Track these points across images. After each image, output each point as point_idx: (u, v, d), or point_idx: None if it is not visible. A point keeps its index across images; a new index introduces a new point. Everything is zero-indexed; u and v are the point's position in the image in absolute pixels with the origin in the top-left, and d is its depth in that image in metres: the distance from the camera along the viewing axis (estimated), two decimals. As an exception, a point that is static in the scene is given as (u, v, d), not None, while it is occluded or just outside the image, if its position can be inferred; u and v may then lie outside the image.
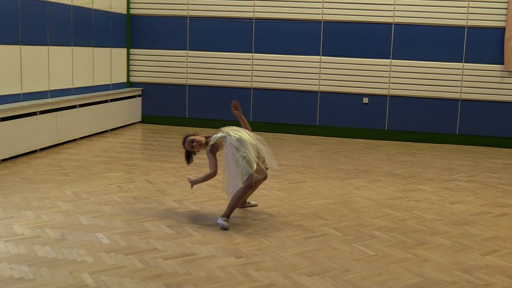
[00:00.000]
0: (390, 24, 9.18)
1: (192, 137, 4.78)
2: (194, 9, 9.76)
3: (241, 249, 4.14)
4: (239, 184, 4.65)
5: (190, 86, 9.94)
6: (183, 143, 4.85)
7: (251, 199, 5.33)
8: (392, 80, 9.30)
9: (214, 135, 4.79)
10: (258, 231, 4.56)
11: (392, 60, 9.24)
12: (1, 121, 6.60)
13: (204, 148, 4.81)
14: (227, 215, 4.69)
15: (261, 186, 5.98)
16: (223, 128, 4.83)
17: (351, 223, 4.85)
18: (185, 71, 9.93)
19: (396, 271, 3.82)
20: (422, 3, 9.04)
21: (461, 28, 8.99)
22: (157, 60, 9.99)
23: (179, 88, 9.99)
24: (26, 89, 7.36)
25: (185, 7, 9.79)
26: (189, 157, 4.91)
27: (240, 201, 4.76)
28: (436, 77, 9.17)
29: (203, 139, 4.78)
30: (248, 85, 9.76)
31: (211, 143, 4.75)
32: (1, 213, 4.78)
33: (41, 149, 7.42)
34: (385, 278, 3.70)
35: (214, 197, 5.49)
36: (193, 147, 4.77)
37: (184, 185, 5.88)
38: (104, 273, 3.62)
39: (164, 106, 10.15)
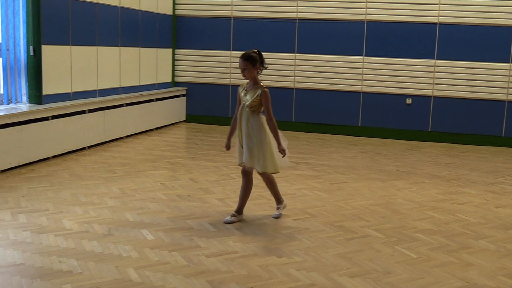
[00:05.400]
0: (435, 24, 9.04)
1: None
2: (238, 9, 9.85)
3: (282, 248, 4.17)
4: (270, 165, 4.68)
5: (234, 86, 10.04)
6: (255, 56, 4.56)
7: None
8: (436, 80, 9.15)
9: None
10: (299, 231, 4.59)
11: (437, 61, 9.10)
12: (52, 119, 6.83)
13: (253, 81, 4.61)
14: (279, 201, 4.96)
15: (302, 186, 6.02)
16: None
17: (393, 225, 4.83)
18: (229, 71, 10.03)
19: (439, 274, 3.79)
20: (468, 2, 8.86)
21: (508, 28, 8.77)
22: (201, 60, 10.12)
23: (223, 88, 10.10)
24: (76, 89, 7.59)
25: (229, 7, 9.89)
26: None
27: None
28: (482, 78, 8.97)
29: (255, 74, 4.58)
30: (290, 85, 9.78)
31: (265, 87, 4.57)
32: (51, 208, 4.96)
33: (89, 147, 7.64)
34: (428, 281, 3.67)
35: (256, 196, 5.54)
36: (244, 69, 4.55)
37: (226, 183, 5.96)
38: (149, 268, 3.71)
39: (207, 106, 10.28)
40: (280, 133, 4.69)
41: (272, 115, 4.60)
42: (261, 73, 4.66)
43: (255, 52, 4.59)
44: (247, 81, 4.67)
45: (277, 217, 4.90)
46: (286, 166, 5.10)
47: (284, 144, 4.72)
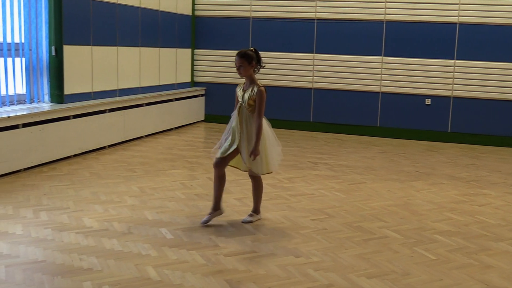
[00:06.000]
0: (454, 24, 8.96)
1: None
2: (257, 10, 9.88)
3: (300, 248, 4.18)
4: (263, 167, 4.58)
5: (252, 86, 10.05)
6: (251, 54, 4.50)
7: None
8: (456, 81, 9.08)
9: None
10: (317, 231, 4.59)
11: (456, 61, 9.03)
12: (73, 118, 6.92)
13: (249, 80, 4.53)
14: (257, 210, 4.81)
15: (320, 186, 6.02)
16: None
17: (411, 226, 4.81)
18: (247, 71, 10.04)
19: (458, 276, 3.76)
20: (488, 2, 8.76)
21: (531, 27, 8.68)
22: (220, 60, 10.16)
23: (241, 88, 10.12)
24: (96, 88, 7.68)
25: (248, 8, 9.92)
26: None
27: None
28: (502, 78, 8.87)
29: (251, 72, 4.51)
30: (309, 85, 9.78)
31: (261, 86, 4.47)
32: (72, 206, 5.03)
33: (110, 146, 7.72)
34: (447, 283, 3.65)
35: (274, 196, 5.56)
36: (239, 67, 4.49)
37: (245, 183, 5.99)
38: (167, 267, 3.74)
39: (226, 106, 10.24)
40: (275, 135, 4.62)
41: (262, 116, 4.46)
42: (258, 72, 4.56)
43: (251, 50, 4.52)
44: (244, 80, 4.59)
45: (247, 222, 4.69)
46: (274, 170, 4.82)
47: (275, 149, 4.62)
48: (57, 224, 4.51)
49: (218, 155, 4.61)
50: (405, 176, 6.68)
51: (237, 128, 4.57)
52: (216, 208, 4.66)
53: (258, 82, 4.52)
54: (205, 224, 4.61)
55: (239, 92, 4.60)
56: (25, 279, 3.48)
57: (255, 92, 4.45)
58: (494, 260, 4.07)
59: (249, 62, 4.47)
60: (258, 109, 4.45)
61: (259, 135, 4.43)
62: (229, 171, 6.50)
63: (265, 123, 4.55)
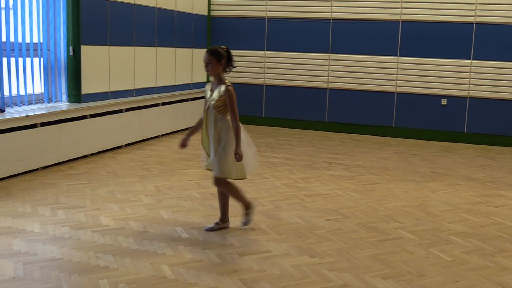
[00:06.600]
0: (471, 23, 8.89)
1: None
2: (272, 10, 9.89)
3: (315, 248, 4.19)
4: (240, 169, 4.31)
5: (267, 86, 10.08)
6: (221, 51, 4.31)
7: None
8: (473, 81, 9.01)
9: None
10: (332, 231, 4.59)
11: (473, 61, 8.95)
12: (90, 117, 6.99)
13: (217, 79, 4.31)
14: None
15: (335, 186, 6.02)
16: None
17: (427, 227, 4.79)
18: (263, 71, 10.07)
19: (474, 278, 3.74)
20: (505, 2, 8.67)
21: (549, 27, 8.59)
22: (235, 60, 10.12)
23: (257, 88, 10.15)
24: (113, 88, 7.75)
25: (263, 8, 9.93)
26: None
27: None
28: (522, 78, 8.81)
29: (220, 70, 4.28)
30: (324, 85, 9.77)
31: (230, 85, 4.25)
32: (89, 204, 5.09)
33: (126, 145, 7.79)
34: (462, 285, 3.64)
35: (289, 196, 5.57)
36: (207, 64, 4.28)
37: (260, 183, 6.01)
38: (183, 266, 3.76)
39: (241, 106, 10.17)
40: (248, 138, 4.38)
41: (237, 116, 4.24)
42: (229, 72, 4.37)
43: (222, 49, 4.29)
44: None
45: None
46: (253, 173, 4.63)
47: (249, 150, 4.36)
48: (74, 222, 4.57)
49: (206, 166, 4.48)
50: (420, 176, 6.65)
51: (205, 132, 4.37)
52: (224, 221, 4.56)
53: (226, 81, 4.29)
54: (209, 231, 4.49)
55: (207, 92, 4.39)
56: (42, 276, 3.53)
57: (222, 92, 4.23)
58: (510, 262, 4.04)
59: (218, 60, 4.24)
60: (231, 110, 4.23)
61: (238, 136, 4.20)
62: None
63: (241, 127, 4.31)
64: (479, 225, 4.88)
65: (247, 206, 4.56)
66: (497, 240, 4.51)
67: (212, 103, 4.28)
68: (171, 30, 9.11)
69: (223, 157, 4.28)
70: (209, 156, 4.41)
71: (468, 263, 4.00)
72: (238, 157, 4.19)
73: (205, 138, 4.41)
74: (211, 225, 4.57)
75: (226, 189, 4.46)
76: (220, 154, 4.29)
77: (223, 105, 4.26)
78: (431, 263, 3.98)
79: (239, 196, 4.51)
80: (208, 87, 4.45)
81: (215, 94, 4.28)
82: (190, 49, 9.74)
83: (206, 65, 4.29)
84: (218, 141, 4.29)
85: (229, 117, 4.29)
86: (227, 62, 4.33)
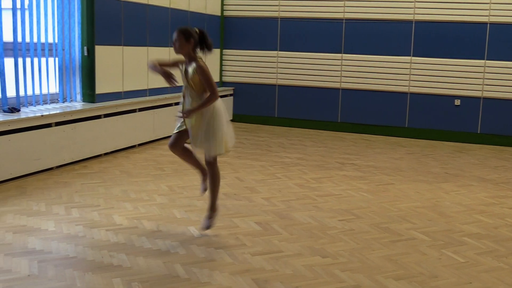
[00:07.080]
0: (485, 23, 8.83)
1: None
2: (285, 10, 9.89)
3: (327, 249, 4.19)
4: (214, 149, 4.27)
5: (280, 86, 10.08)
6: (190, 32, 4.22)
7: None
8: (486, 81, 8.94)
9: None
10: (344, 231, 4.59)
11: (487, 61, 8.89)
12: (104, 117, 7.05)
13: (188, 58, 4.25)
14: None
15: (348, 187, 6.01)
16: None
17: (440, 228, 4.77)
18: (275, 71, 10.07)
19: (487, 280, 3.73)
20: (522, 2, 8.64)
21: None
22: (248, 60, 10.21)
23: (269, 88, 10.15)
24: (127, 88, 7.80)
25: (276, 8, 9.94)
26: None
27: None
28: (536, 79, 8.73)
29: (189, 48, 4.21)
30: (337, 85, 9.75)
31: (201, 61, 4.19)
32: (102, 203, 5.13)
33: (139, 145, 7.83)
34: (475, 286, 3.62)
35: (301, 196, 5.58)
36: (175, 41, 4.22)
37: (272, 183, 6.02)
38: (195, 265, 3.78)
39: (254, 106, 10.35)
40: (227, 115, 4.30)
41: (215, 89, 4.17)
42: (205, 55, 4.32)
43: (195, 30, 4.22)
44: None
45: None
46: (230, 147, 4.48)
47: (228, 128, 4.32)
48: (88, 221, 4.61)
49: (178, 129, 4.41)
50: (433, 177, 6.63)
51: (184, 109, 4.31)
52: (213, 209, 4.45)
53: (198, 59, 4.24)
54: (207, 229, 4.43)
55: (182, 70, 4.31)
56: (56, 274, 3.57)
57: (194, 69, 4.18)
58: (524, 264, 4.03)
59: (186, 38, 4.16)
60: (207, 83, 4.17)
61: (204, 106, 4.16)
62: (256, 171, 6.56)
63: (220, 102, 4.26)
64: (492, 226, 4.85)
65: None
66: (511, 242, 4.48)
67: (189, 81, 4.23)
68: (184, 30, 9.13)
69: (212, 137, 4.22)
70: (185, 127, 4.33)
71: (481, 265, 3.98)
72: (186, 114, 4.18)
73: (187, 120, 4.31)
74: (203, 222, 4.47)
75: (214, 172, 4.39)
76: (207, 135, 4.23)
77: (199, 82, 4.20)
78: (444, 264, 3.97)
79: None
80: (181, 66, 4.37)
81: (190, 72, 4.24)
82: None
83: (174, 43, 4.24)
84: (199, 120, 4.23)
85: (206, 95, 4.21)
86: (199, 43, 4.26)
